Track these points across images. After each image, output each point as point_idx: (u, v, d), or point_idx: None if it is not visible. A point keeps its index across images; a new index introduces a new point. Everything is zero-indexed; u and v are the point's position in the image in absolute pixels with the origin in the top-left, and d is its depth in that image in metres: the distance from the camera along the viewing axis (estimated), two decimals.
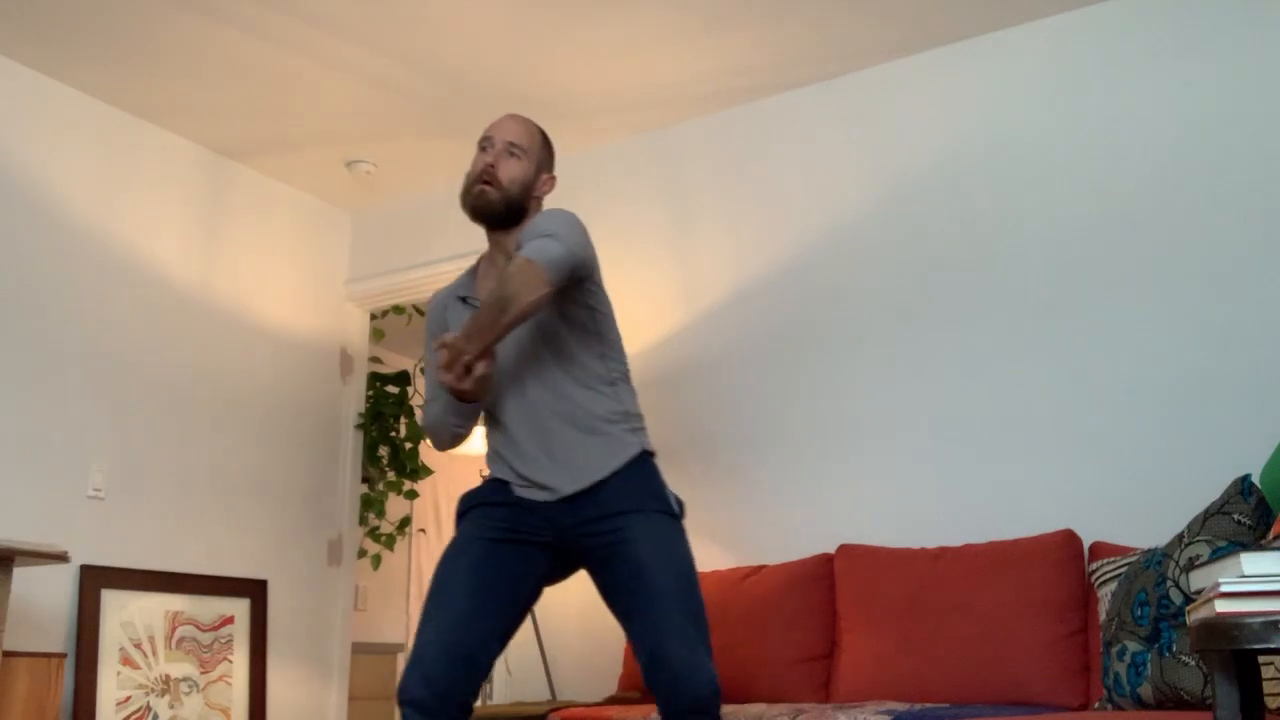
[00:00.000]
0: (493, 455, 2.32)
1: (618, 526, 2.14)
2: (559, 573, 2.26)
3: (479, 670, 2.08)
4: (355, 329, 4.75)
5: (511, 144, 2.30)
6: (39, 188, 3.63)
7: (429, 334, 2.41)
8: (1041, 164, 3.29)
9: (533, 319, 2.18)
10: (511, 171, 2.29)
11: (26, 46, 3.52)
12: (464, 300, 2.34)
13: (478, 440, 3.89)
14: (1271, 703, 1.96)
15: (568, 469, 2.19)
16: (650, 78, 3.73)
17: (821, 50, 3.56)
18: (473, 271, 2.40)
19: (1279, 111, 2.97)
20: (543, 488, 2.19)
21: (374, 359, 5.20)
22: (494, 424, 2.32)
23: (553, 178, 2.40)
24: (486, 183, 2.27)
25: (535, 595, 2.23)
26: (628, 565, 2.12)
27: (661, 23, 3.41)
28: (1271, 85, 2.99)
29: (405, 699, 2.03)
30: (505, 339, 2.13)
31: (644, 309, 3.90)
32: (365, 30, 3.45)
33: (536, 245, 2.10)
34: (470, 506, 2.26)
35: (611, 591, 2.17)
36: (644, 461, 2.24)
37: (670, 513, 2.20)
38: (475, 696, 2.10)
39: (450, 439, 2.32)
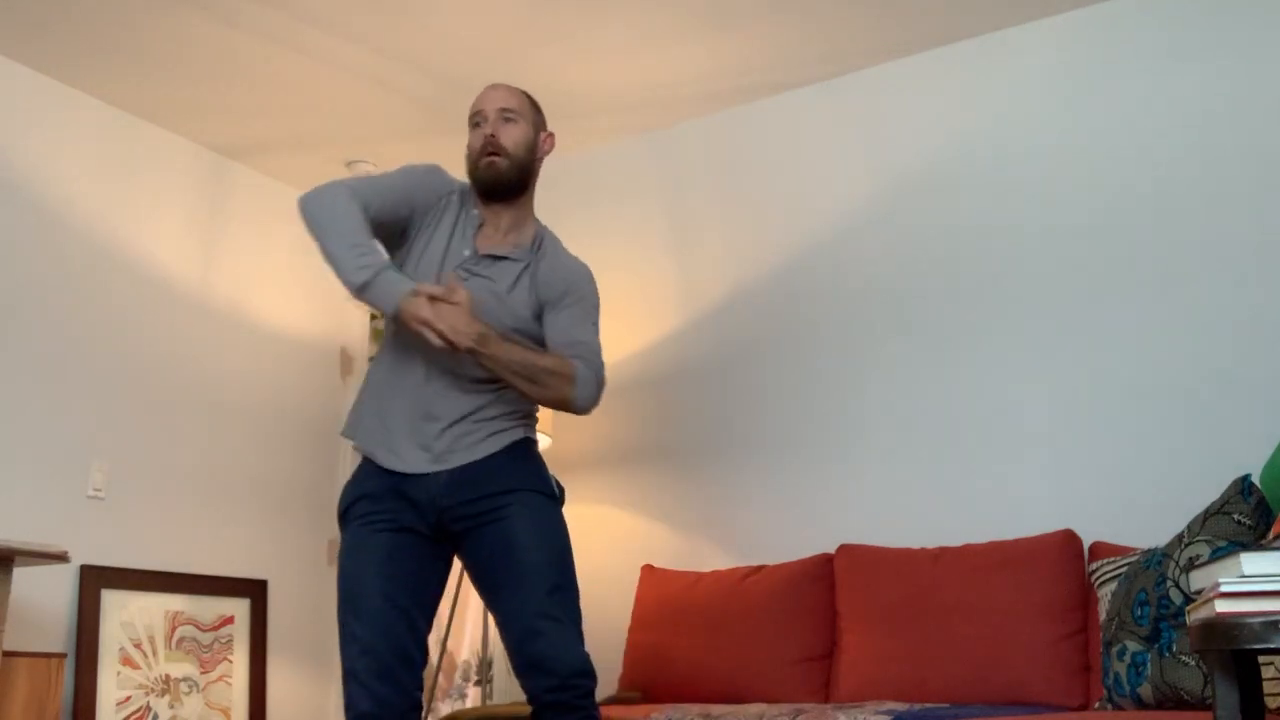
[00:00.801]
0: (372, 416, 2.24)
1: (495, 505, 2.13)
2: (447, 559, 2.23)
3: (416, 665, 2.10)
4: (355, 329, 4.75)
5: (504, 110, 2.29)
6: (39, 187, 3.62)
7: (418, 180, 2.28)
8: (1041, 164, 3.28)
9: (491, 325, 2.15)
10: (514, 136, 2.28)
11: (26, 46, 3.52)
12: (459, 234, 2.26)
13: None
14: (1271, 703, 1.96)
15: (449, 443, 2.16)
16: (650, 78, 3.73)
17: (821, 50, 3.56)
18: (475, 220, 2.28)
19: (1278, 113, 2.97)
20: (424, 452, 2.15)
21: (374, 359, 5.19)
22: (388, 375, 2.25)
23: (551, 135, 2.40)
24: (493, 154, 2.24)
25: (445, 577, 2.23)
26: (500, 541, 2.11)
27: (661, 23, 3.40)
28: (1273, 85, 2.99)
29: (354, 715, 2.03)
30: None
31: (643, 309, 3.90)
32: (365, 30, 3.44)
33: (590, 383, 2.19)
34: (354, 500, 2.19)
35: (483, 568, 2.15)
36: (524, 445, 2.24)
37: (549, 494, 2.20)
38: (421, 689, 2.11)
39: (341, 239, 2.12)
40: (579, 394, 2.17)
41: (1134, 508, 2.87)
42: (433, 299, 2.03)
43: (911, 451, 3.30)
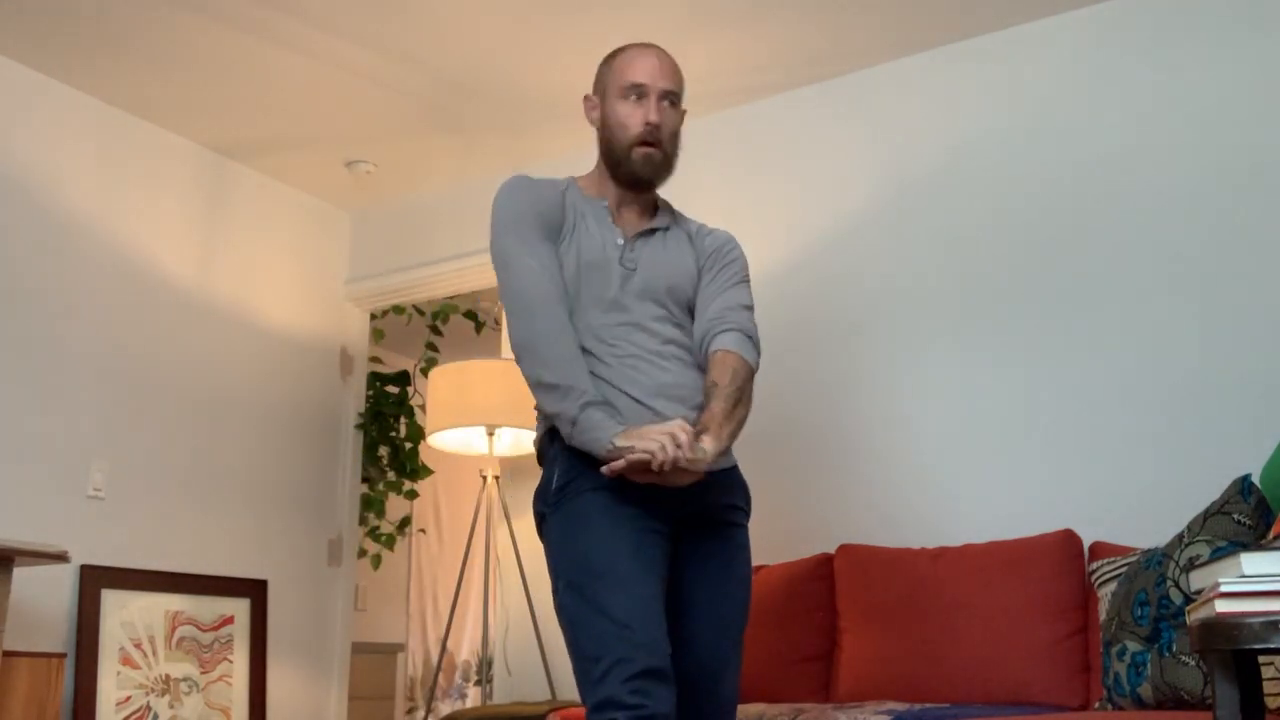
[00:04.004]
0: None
1: (737, 522, 2.02)
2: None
3: None
4: (355, 329, 4.75)
5: (669, 92, 2.04)
6: (38, 187, 3.63)
7: (530, 203, 2.00)
8: (1042, 165, 3.28)
9: (674, 304, 2.05)
10: (672, 125, 2.05)
11: (26, 46, 3.52)
12: (602, 228, 2.04)
13: (477, 440, 3.90)
14: (1271, 703, 1.96)
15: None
16: None
17: (822, 50, 3.56)
18: (604, 207, 2.07)
19: (1279, 112, 2.97)
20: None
21: (374, 359, 5.20)
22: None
23: (685, 111, 2.16)
24: (652, 144, 2.01)
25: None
26: (729, 565, 1.98)
27: (662, 23, 3.41)
28: (1273, 86, 2.99)
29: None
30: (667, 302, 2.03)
31: None
32: (365, 30, 3.45)
33: (750, 348, 2.02)
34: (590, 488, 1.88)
35: (693, 582, 1.95)
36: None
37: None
38: None
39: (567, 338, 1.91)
40: (754, 359, 2.03)
41: (1134, 508, 2.87)
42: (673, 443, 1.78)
43: (911, 451, 3.30)
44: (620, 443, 1.77)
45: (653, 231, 2.09)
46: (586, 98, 2.14)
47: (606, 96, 2.08)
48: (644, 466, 1.76)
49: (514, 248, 1.94)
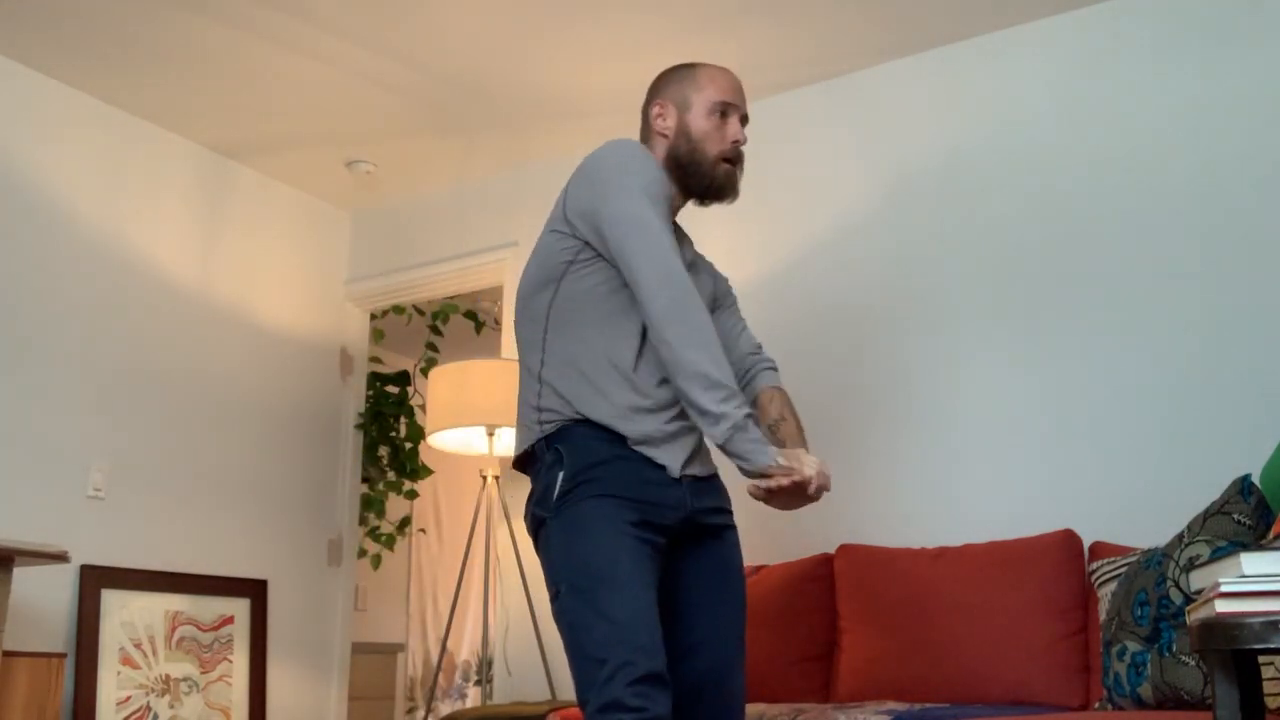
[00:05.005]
0: (664, 411, 1.95)
1: (728, 524, 2.08)
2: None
3: None
4: (355, 329, 4.75)
5: (745, 116, 2.12)
6: (38, 188, 3.63)
7: (663, 188, 1.99)
8: (1039, 165, 3.28)
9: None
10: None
11: (26, 46, 3.52)
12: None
13: (477, 440, 3.90)
14: (1271, 703, 1.96)
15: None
16: (650, 78, 3.71)
17: (821, 50, 3.56)
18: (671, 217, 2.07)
19: (1278, 112, 2.97)
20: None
21: (374, 359, 5.20)
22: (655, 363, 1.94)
23: None
24: (732, 161, 2.09)
25: None
26: (726, 568, 2.04)
27: (661, 23, 3.41)
28: (1272, 85, 2.99)
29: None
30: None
31: None
32: (365, 30, 3.45)
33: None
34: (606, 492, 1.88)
35: (693, 589, 1.98)
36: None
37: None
38: None
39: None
40: None
41: (1134, 508, 2.87)
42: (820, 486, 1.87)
43: (911, 451, 3.30)
44: (783, 461, 1.82)
45: (693, 260, 2.16)
46: (659, 104, 2.15)
47: (689, 108, 2.11)
48: (800, 489, 1.83)
49: (657, 222, 1.90)
